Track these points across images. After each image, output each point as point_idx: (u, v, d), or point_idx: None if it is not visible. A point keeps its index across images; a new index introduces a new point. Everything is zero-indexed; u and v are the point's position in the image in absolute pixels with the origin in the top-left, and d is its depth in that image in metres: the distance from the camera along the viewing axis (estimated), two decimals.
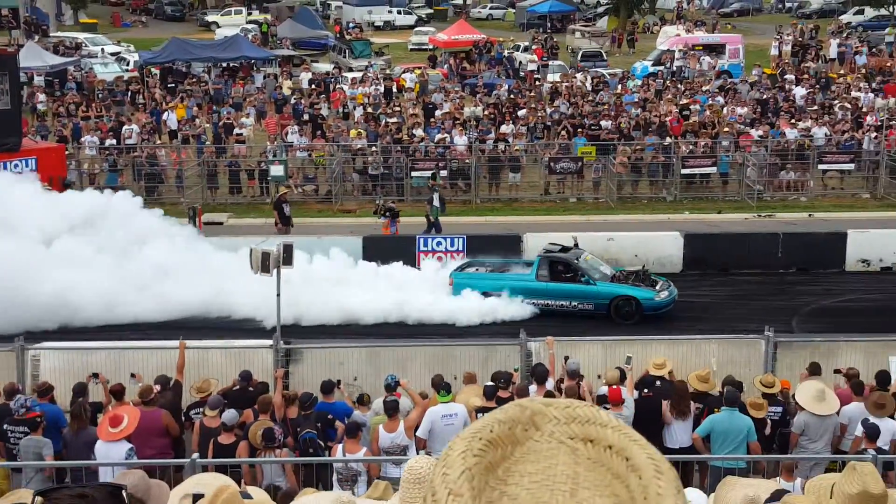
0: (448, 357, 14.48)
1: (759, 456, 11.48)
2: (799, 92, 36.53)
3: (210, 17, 63.99)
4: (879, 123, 31.56)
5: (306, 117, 33.77)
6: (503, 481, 1.34)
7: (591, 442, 1.33)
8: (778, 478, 9.29)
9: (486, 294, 19.84)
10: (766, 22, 64.05)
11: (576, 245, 20.79)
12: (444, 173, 28.66)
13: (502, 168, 30.17)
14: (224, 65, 43.25)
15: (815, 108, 33.95)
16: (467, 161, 29.82)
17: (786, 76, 39.87)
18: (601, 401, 12.12)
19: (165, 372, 12.94)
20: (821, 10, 67.10)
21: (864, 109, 33.87)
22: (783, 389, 12.55)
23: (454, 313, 19.36)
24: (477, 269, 20.93)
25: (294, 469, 10.74)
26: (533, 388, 12.34)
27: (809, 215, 27.78)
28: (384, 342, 15.91)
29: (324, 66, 45.95)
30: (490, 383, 12.20)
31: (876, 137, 30.47)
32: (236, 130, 32.25)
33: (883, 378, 12.76)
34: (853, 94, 36.04)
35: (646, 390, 12.44)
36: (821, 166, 29.69)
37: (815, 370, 12.96)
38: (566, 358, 13.08)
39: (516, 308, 19.54)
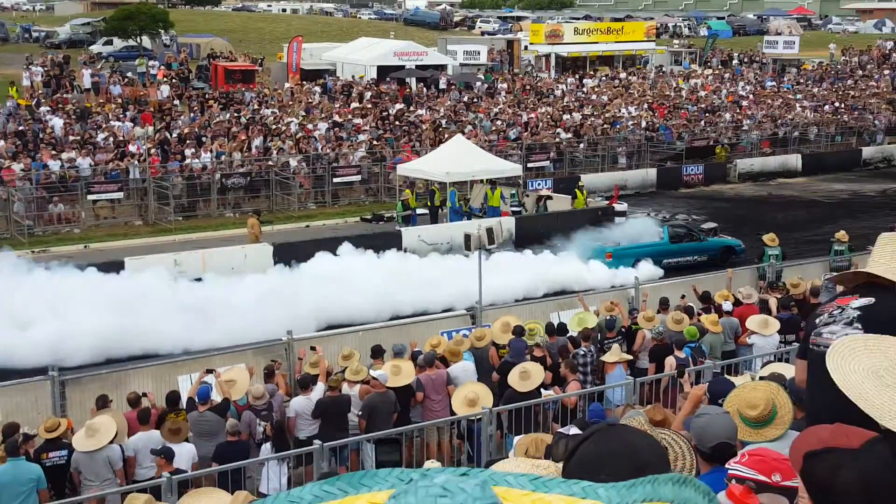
0: None
1: None
2: (57, 123, 35.93)
3: None
4: (142, 151, 32.38)
5: None
6: None
7: None
8: None
9: (637, 260, 23.97)
10: (14, 52, 62.11)
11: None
12: None
13: None
14: None
15: (77, 138, 33.67)
16: None
17: (41, 107, 38.97)
18: None
19: None
20: (69, 40, 66.87)
21: (126, 138, 34.47)
22: None
23: (614, 278, 22.13)
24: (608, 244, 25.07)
25: None
26: None
27: (85, 247, 27.48)
28: None
29: None
30: None
31: (141, 165, 31.23)
32: None
33: (173, 398, 12.87)
34: (113, 123, 36.51)
35: None
36: (90, 196, 29.56)
37: (103, 403, 12.69)
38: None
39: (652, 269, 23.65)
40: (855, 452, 2.35)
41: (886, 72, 61.88)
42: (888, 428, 2.98)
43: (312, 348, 14.87)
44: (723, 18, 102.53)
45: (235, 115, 39.73)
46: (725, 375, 11.92)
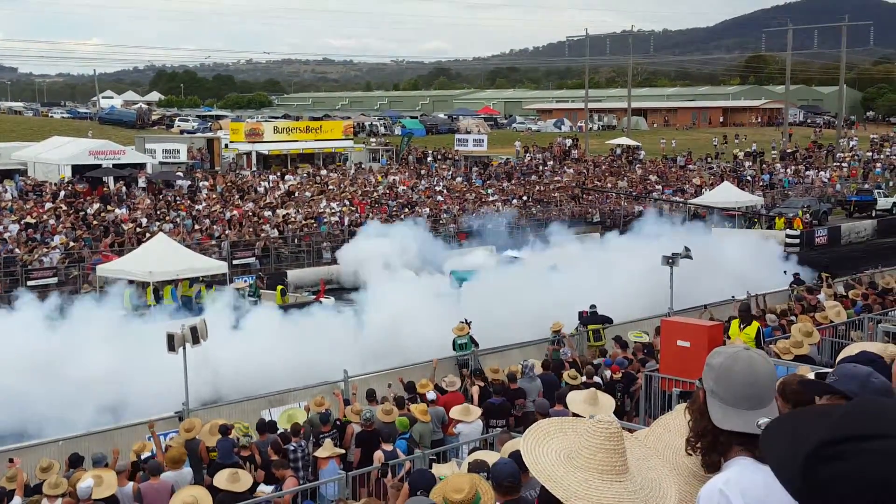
0: None
1: None
2: None
3: None
4: None
5: None
6: None
7: None
8: None
9: None
10: None
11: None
12: None
13: None
14: None
15: None
16: None
17: None
18: None
19: None
20: None
21: None
22: None
23: None
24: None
25: None
26: None
27: None
28: None
29: None
30: None
31: None
32: None
33: None
34: None
35: None
36: None
37: None
38: None
39: None
40: None
41: (566, 167, 67.11)
42: None
43: (10, 460, 14.01)
44: (416, 118, 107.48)
45: None
46: (434, 464, 12.39)
